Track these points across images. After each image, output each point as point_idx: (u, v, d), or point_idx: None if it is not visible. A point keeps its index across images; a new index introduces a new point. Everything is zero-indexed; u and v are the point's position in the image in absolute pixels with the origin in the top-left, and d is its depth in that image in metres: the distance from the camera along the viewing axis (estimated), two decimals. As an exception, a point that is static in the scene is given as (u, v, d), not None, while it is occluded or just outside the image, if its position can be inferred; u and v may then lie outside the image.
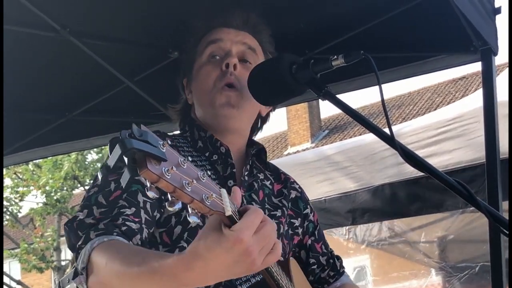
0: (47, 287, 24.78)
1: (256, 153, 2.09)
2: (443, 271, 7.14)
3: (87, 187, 17.28)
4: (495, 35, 3.04)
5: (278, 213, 2.05)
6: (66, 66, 3.21)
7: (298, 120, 22.74)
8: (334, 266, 2.20)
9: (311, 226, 2.19)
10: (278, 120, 24.62)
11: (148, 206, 1.72)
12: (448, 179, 1.67)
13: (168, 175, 1.17)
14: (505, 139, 3.53)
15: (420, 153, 4.00)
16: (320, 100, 1.82)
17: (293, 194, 2.18)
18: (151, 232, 1.74)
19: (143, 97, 3.39)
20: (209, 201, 1.24)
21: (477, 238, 6.10)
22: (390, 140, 1.70)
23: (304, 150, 19.31)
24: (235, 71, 1.95)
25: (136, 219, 1.67)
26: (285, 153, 22.04)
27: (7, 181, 17.84)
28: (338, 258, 2.24)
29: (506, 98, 3.54)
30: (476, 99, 3.98)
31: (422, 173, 1.73)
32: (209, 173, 1.90)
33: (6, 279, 19.02)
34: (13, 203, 18.15)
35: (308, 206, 2.21)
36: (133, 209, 1.68)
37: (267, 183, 2.10)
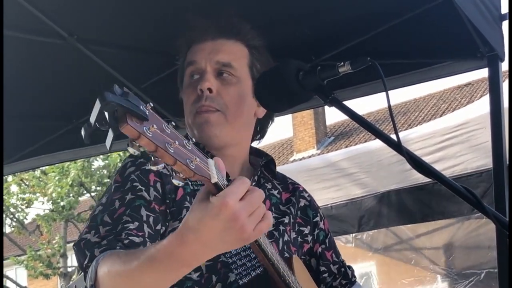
0: (53, 293, 24.79)
1: (265, 164, 2.09)
2: (449, 278, 7.12)
3: (93, 194, 17.34)
4: (502, 41, 3.04)
5: (286, 219, 2.04)
6: (73, 73, 3.22)
7: (303, 127, 22.72)
8: (346, 275, 2.19)
9: (321, 234, 2.17)
10: (284, 127, 24.64)
11: (151, 220, 1.73)
12: (455, 185, 1.66)
13: (149, 133, 1.17)
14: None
15: (426, 159, 3.96)
16: (325, 107, 1.83)
17: (302, 202, 2.17)
18: None
19: (150, 104, 3.40)
20: (193, 165, 1.24)
21: (483, 245, 6.09)
22: (397, 146, 1.70)
23: (309, 156, 19.30)
24: (211, 94, 1.92)
25: (140, 233, 1.68)
26: (291, 159, 22.02)
27: (13, 188, 17.88)
28: (350, 267, 2.23)
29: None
30: (481, 106, 3.98)
31: (429, 180, 1.73)
32: None
33: (12, 286, 19.05)
34: (20, 209, 18.17)
35: (318, 214, 2.19)
36: (136, 223, 1.69)
37: (275, 192, 2.09)
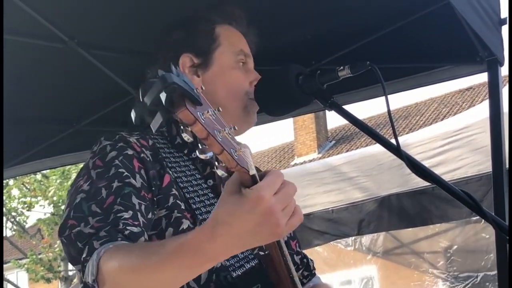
0: (54, 297, 24.79)
1: None
2: (448, 281, 7.13)
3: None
4: (501, 45, 3.05)
5: None
6: (74, 77, 3.22)
7: (305, 131, 22.72)
8: (308, 266, 2.15)
9: None
10: (285, 131, 24.64)
11: (143, 208, 1.63)
12: (454, 190, 1.67)
13: (203, 119, 1.13)
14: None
15: (427, 163, 4.02)
16: (326, 111, 1.83)
17: None
18: (148, 235, 1.65)
19: (151, 107, 3.40)
20: (237, 155, 1.20)
21: (481, 249, 6.11)
22: (396, 150, 1.71)
23: (311, 160, 19.30)
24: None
25: (135, 222, 1.58)
26: (292, 163, 22.02)
27: (14, 192, 17.87)
28: (311, 259, 2.19)
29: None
30: (482, 110, 3.99)
31: (428, 184, 1.73)
32: (192, 172, 1.83)
33: (13, 289, 19.06)
34: (21, 213, 18.16)
35: None
36: (130, 212, 1.59)
37: None
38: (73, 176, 16.45)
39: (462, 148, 4.07)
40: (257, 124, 2.09)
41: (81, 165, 1.94)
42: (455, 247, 6.55)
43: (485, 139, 3.65)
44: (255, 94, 1.87)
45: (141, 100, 1.13)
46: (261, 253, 1.80)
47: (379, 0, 2.85)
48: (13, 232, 18.56)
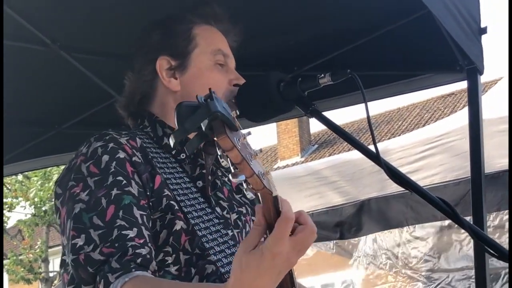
0: (34, 299, 24.60)
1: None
2: (427, 285, 7.17)
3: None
4: (481, 54, 3.08)
5: (244, 210, 1.96)
6: (56, 79, 3.22)
7: (288, 135, 22.75)
8: None
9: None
10: (268, 134, 24.64)
11: (145, 219, 1.64)
12: (431, 197, 1.70)
13: (239, 145, 1.16)
14: (491, 156, 3.59)
15: (407, 168, 4.06)
16: (309, 116, 1.84)
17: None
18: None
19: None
20: (265, 178, 1.24)
21: (455, 250, 6.20)
22: (376, 158, 1.73)
23: (293, 164, 19.33)
24: None
25: (141, 240, 1.59)
26: (275, 166, 22.03)
27: (-5, 192, 17.75)
28: None
29: (491, 116, 3.61)
30: (462, 117, 4.03)
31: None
32: (180, 174, 1.82)
33: (-8, 291, 18.90)
34: (1, 214, 18.05)
35: None
36: (135, 229, 1.60)
37: (226, 179, 2.00)
38: (55, 177, 16.36)
39: (442, 154, 4.11)
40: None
41: (62, 167, 1.93)
42: (434, 250, 6.60)
43: (465, 145, 3.69)
44: (237, 100, 1.87)
45: (179, 124, 1.16)
46: None
47: (360, 9, 2.87)
48: (-6, 233, 18.44)
